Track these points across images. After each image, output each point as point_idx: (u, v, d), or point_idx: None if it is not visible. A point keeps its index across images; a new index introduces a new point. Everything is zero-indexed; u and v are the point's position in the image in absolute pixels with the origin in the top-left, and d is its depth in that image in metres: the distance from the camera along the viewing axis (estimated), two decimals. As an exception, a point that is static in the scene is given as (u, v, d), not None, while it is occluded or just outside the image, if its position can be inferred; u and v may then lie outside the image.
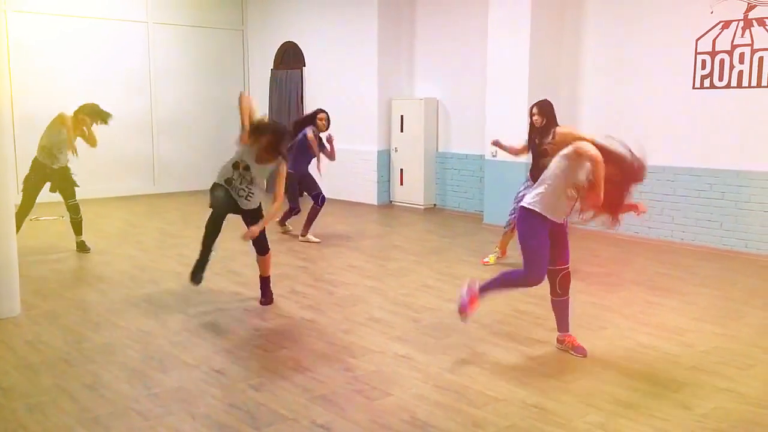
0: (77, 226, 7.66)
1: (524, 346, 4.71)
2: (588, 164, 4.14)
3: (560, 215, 4.40)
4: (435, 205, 10.94)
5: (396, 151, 11.16)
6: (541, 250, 4.35)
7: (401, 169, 11.11)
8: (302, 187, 8.52)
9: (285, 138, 5.61)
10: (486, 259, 7.15)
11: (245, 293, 6.04)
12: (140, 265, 7.09)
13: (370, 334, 4.97)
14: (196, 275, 5.71)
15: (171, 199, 11.91)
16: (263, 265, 5.78)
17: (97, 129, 7.54)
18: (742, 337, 4.91)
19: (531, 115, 6.66)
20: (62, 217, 9.39)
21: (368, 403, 3.80)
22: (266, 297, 5.76)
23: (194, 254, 7.50)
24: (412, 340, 4.83)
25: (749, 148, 7.46)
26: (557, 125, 6.25)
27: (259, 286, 5.82)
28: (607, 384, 4.07)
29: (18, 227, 7.07)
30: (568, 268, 4.51)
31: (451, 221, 9.83)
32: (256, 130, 5.41)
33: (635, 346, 4.72)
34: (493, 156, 9.27)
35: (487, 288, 4.61)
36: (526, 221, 4.39)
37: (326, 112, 8.41)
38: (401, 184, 11.15)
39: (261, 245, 5.71)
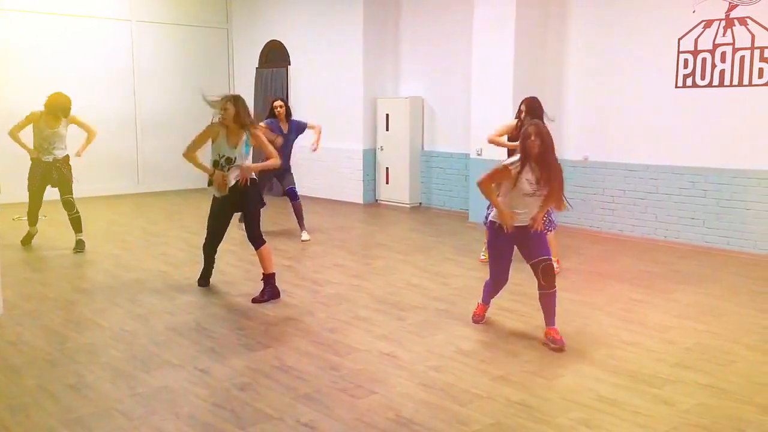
0: (75, 223, 7.68)
1: (509, 344, 4.73)
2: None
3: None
4: (420, 203, 10.96)
5: (381, 149, 11.16)
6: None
7: (387, 168, 11.12)
8: (280, 181, 8.50)
9: (241, 100, 5.67)
10: (483, 257, 7.04)
11: (230, 292, 6.02)
12: (124, 264, 7.05)
13: (355, 332, 4.98)
14: (202, 281, 6.19)
15: (156, 198, 11.85)
16: (261, 262, 5.81)
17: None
18: (723, 334, 4.96)
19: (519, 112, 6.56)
20: (44, 216, 9.31)
21: (353, 402, 3.80)
22: (261, 295, 5.74)
23: (178, 253, 7.55)
24: (398, 339, 4.83)
25: (731, 146, 7.53)
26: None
27: (244, 284, 5.85)
28: (590, 381, 4.09)
29: (33, 223, 7.80)
30: (544, 259, 4.69)
31: (437, 220, 9.85)
32: (221, 109, 5.62)
33: (618, 343, 4.75)
34: (478, 154, 9.30)
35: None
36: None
37: (281, 99, 8.52)
38: (387, 182, 11.15)
39: (252, 236, 5.73)
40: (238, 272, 6.71)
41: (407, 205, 10.84)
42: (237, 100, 5.62)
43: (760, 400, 3.84)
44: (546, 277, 4.68)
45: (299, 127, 8.48)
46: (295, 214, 8.39)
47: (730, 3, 7.42)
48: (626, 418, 3.60)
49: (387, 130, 10.98)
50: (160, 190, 12.65)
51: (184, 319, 5.28)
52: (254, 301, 5.69)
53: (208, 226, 5.96)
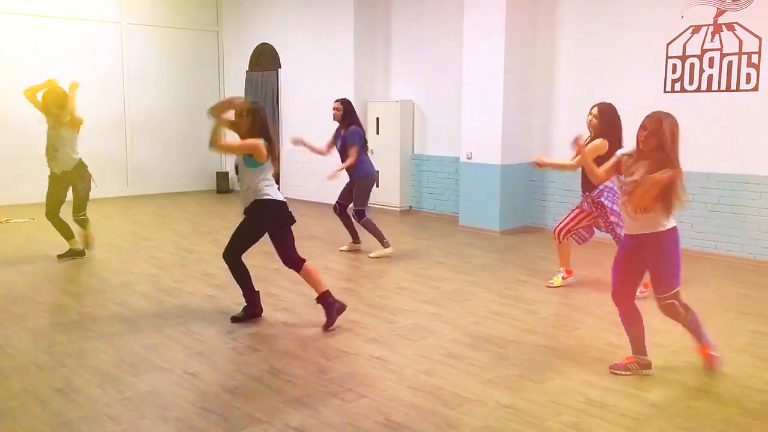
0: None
1: (498, 347, 4.74)
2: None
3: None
4: (411, 207, 10.97)
5: (372, 153, 11.14)
6: None
7: (377, 172, 11.09)
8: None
9: (260, 110, 5.16)
10: (551, 281, 6.40)
11: (219, 296, 6.00)
12: (113, 267, 7.01)
13: (344, 336, 4.97)
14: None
15: (145, 201, 11.80)
16: (308, 282, 5.28)
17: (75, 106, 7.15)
18: (711, 338, 4.98)
19: (589, 115, 6.05)
20: (33, 219, 9.28)
21: (342, 405, 3.80)
22: (327, 319, 5.15)
23: (168, 256, 7.52)
24: (387, 342, 4.83)
25: (719, 151, 7.58)
26: (615, 133, 5.82)
27: (235, 288, 5.74)
28: (579, 384, 4.11)
29: (56, 225, 7.34)
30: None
31: (427, 223, 9.86)
32: (237, 117, 5.11)
33: (607, 346, 4.77)
34: (469, 158, 9.32)
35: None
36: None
37: (339, 101, 7.57)
38: (377, 186, 11.09)
39: (285, 257, 5.20)
40: (228, 276, 6.66)
41: (397, 209, 10.85)
42: (257, 112, 5.11)
43: (748, 404, 3.87)
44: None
45: (346, 139, 7.53)
46: (373, 232, 7.61)
47: (718, 9, 7.48)
48: (615, 422, 3.62)
49: (377, 133, 10.98)
50: (149, 192, 12.60)
51: (173, 322, 5.26)
52: (325, 329, 5.12)
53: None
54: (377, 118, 10.96)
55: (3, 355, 4.56)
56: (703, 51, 7.62)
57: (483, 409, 3.77)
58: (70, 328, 5.11)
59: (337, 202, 7.91)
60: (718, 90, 7.55)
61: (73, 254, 7.37)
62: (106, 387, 4.03)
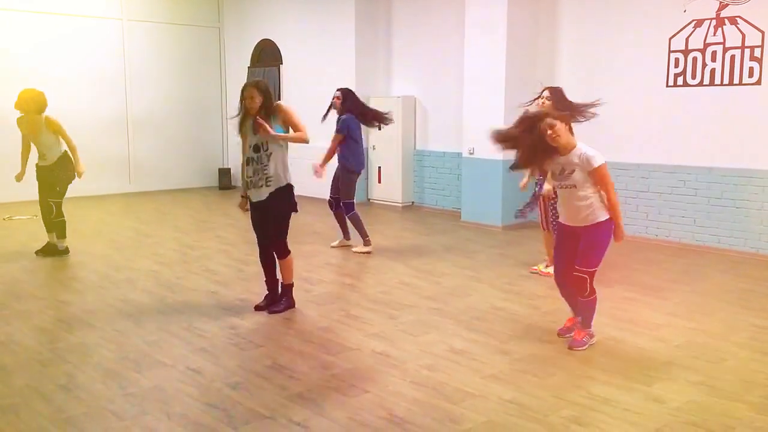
0: (48, 226, 7.45)
1: (500, 342, 4.74)
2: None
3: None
4: (413, 202, 10.96)
5: (374, 149, 11.15)
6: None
7: (379, 167, 11.11)
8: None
9: (267, 87, 5.21)
10: (535, 268, 6.67)
11: (222, 292, 6.01)
12: (115, 264, 7.02)
13: (347, 331, 4.97)
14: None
15: (147, 198, 11.81)
16: (283, 271, 5.44)
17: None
18: (714, 332, 4.98)
19: (539, 98, 6.28)
20: (36, 216, 9.29)
21: (345, 401, 3.80)
22: (280, 305, 5.43)
23: (170, 253, 7.53)
24: (390, 337, 4.84)
25: (721, 145, 7.56)
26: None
27: (237, 284, 5.77)
28: (581, 379, 4.11)
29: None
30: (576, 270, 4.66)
31: (429, 219, 9.86)
32: (242, 99, 5.14)
33: (609, 341, 4.76)
34: (471, 153, 9.31)
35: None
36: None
37: (338, 90, 7.65)
38: (379, 182, 11.15)
39: (279, 249, 5.34)
40: (230, 272, 6.70)
41: (399, 205, 10.84)
42: (264, 88, 5.16)
43: (751, 398, 3.86)
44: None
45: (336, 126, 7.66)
46: (357, 226, 7.65)
47: (720, 2, 7.45)
48: (617, 416, 3.62)
49: (379, 129, 10.92)
50: (151, 189, 12.61)
51: (175, 318, 5.27)
52: (270, 311, 5.38)
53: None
54: (379, 114, 10.94)
55: (6, 351, 4.57)
56: (706, 45, 7.60)
57: (485, 404, 3.77)
58: (73, 325, 5.12)
59: (330, 197, 7.87)
60: (721, 84, 7.52)
61: (53, 251, 7.40)
62: (109, 383, 4.04)
